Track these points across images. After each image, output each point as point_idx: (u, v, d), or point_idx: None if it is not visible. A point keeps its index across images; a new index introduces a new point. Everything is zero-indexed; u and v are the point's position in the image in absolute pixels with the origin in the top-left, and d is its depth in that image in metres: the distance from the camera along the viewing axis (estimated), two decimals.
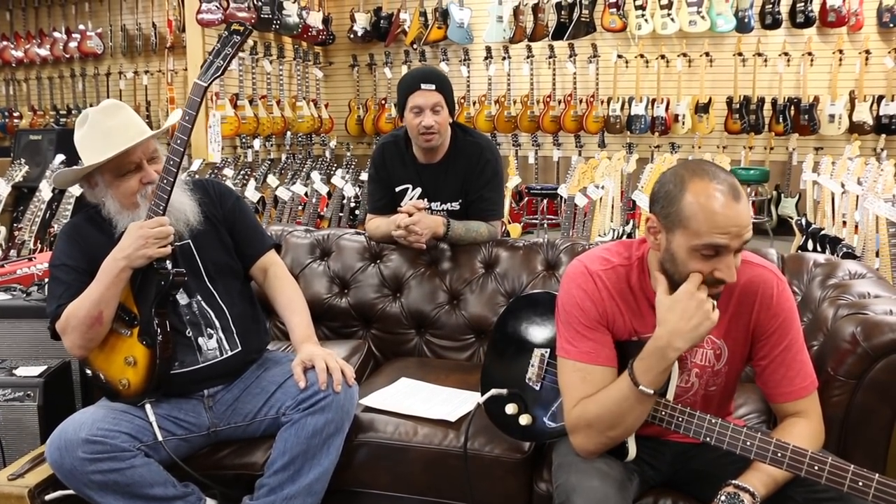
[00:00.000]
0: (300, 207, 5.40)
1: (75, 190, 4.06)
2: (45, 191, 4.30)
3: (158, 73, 7.87)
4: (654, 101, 7.19)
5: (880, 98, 6.67)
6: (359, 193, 5.73)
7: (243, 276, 2.10)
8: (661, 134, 7.23)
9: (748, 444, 1.41)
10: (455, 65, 7.67)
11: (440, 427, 1.93)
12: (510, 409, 1.77)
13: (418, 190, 2.61)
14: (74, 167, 1.89)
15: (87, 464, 1.71)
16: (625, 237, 4.94)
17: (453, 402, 2.04)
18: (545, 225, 6.73)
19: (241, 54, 6.69)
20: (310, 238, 2.68)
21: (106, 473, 1.72)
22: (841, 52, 6.78)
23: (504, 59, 7.54)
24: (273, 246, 2.15)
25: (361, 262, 2.59)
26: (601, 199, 4.75)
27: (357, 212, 5.79)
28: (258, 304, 2.14)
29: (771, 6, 6.78)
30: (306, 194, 5.44)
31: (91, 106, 1.93)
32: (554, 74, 7.49)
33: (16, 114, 8.34)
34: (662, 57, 7.20)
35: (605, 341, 1.57)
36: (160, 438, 1.82)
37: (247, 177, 5.47)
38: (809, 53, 6.87)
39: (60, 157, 4.74)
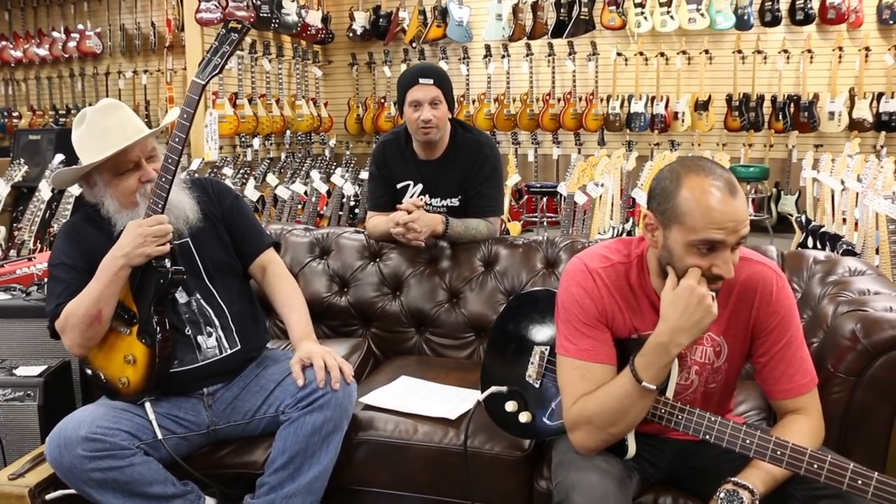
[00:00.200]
0: (300, 206, 5.40)
1: (75, 190, 4.06)
2: (44, 190, 4.29)
3: (157, 73, 7.86)
4: (653, 98, 7.18)
5: (880, 95, 6.66)
6: (358, 192, 5.73)
7: (242, 274, 2.10)
8: (660, 132, 7.22)
9: (747, 441, 1.41)
10: (454, 63, 7.66)
11: (440, 425, 1.93)
12: (510, 406, 1.77)
13: (419, 186, 2.61)
14: (73, 167, 1.89)
15: (87, 461, 1.71)
16: (624, 235, 4.94)
17: (453, 401, 2.04)
18: (545, 223, 6.73)
19: (240, 53, 6.71)
20: (309, 237, 2.68)
21: (105, 471, 1.73)
22: (841, 49, 6.78)
23: (503, 57, 7.53)
24: (272, 244, 2.15)
25: (361, 260, 2.59)
26: (601, 196, 4.75)
27: (356, 210, 5.78)
28: (257, 302, 2.14)
29: (770, 3, 6.77)
30: (306, 193, 5.44)
31: (90, 106, 1.93)
32: (553, 72, 7.48)
33: (15, 114, 8.33)
34: (662, 55, 7.20)
35: (605, 339, 1.57)
36: (160, 437, 1.82)
37: (246, 176, 5.47)
38: (809, 50, 6.86)
39: (60, 157, 4.74)
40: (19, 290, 2.57)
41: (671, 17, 6.92)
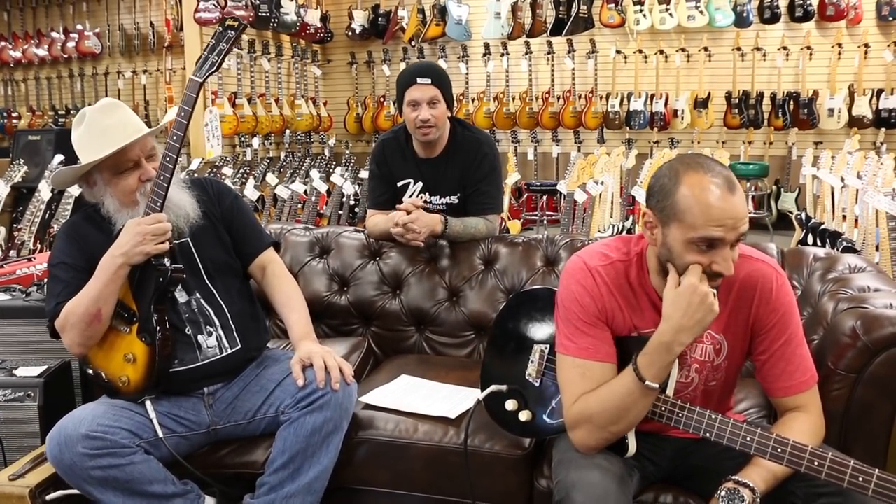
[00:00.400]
0: (299, 205, 5.40)
1: (74, 190, 4.06)
2: (44, 191, 4.29)
3: (157, 73, 7.86)
4: (652, 96, 7.18)
5: (880, 92, 6.66)
6: (358, 191, 5.72)
7: (242, 274, 2.10)
8: (660, 129, 7.22)
9: (748, 439, 1.41)
10: (453, 61, 7.66)
11: (440, 424, 1.93)
12: (510, 405, 1.77)
13: (419, 185, 2.61)
14: (73, 166, 1.89)
15: (87, 459, 1.71)
16: (624, 233, 4.94)
17: (453, 399, 2.04)
18: (545, 221, 6.72)
19: (239, 53, 6.70)
20: (309, 236, 2.68)
21: (105, 469, 1.73)
22: (840, 45, 6.78)
23: (502, 55, 7.53)
24: (271, 244, 2.15)
25: (361, 259, 2.59)
26: (600, 194, 4.75)
27: (356, 209, 5.78)
28: (257, 302, 2.14)
29: (769, 0, 6.76)
30: (305, 192, 5.43)
31: (89, 106, 1.93)
32: (552, 70, 7.48)
33: (14, 114, 8.33)
34: (661, 52, 7.19)
35: (605, 337, 1.57)
36: (161, 435, 1.82)
37: (246, 175, 5.47)
38: (808, 47, 6.86)
39: (59, 157, 4.74)
40: (19, 291, 2.57)
41: (670, 14, 6.92)
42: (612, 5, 7.06)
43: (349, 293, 2.56)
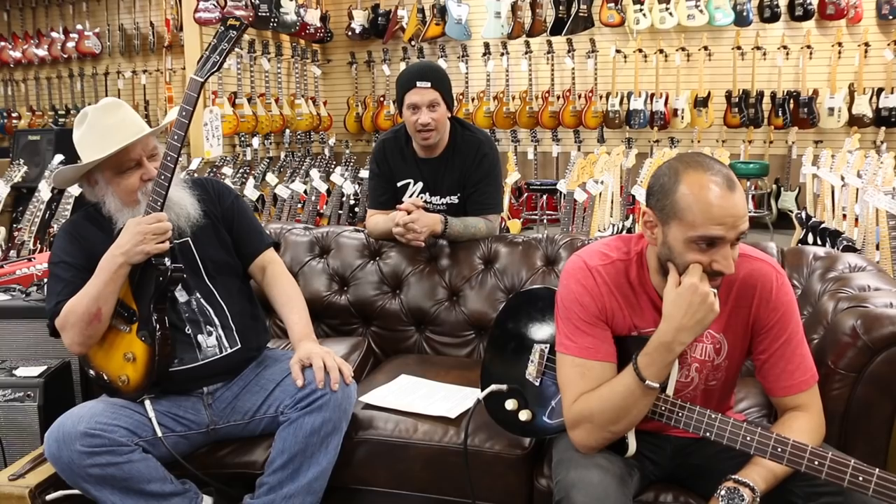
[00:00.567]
0: (299, 205, 5.40)
1: (74, 190, 4.06)
2: (44, 191, 4.30)
3: (156, 73, 7.87)
4: (652, 95, 7.18)
5: (880, 91, 6.65)
6: (358, 191, 5.72)
7: (242, 274, 2.10)
8: (660, 128, 7.22)
9: (748, 439, 1.41)
10: (453, 61, 7.66)
11: (440, 424, 1.93)
12: (510, 405, 1.77)
13: (420, 184, 2.61)
14: (75, 164, 1.89)
15: (85, 457, 1.71)
16: (624, 232, 4.94)
17: (453, 399, 2.04)
18: (545, 221, 6.72)
19: (239, 53, 6.70)
20: (309, 236, 2.68)
21: (103, 467, 1.72)
22: (840, 44, 6.77)
23: (502, 54, 7.53)
24: (271, 244, 2.15)
25: (361, 259, 2.59)
26: (600, 194, 4.74)
27: (356, 209, 5.78)
28: (257, 301, 2.14)
29: None
30: (305, 192, 5.43)
31: (90, 105, 1.93)
32: (552, 70, 7.48)
33: (14, 114, 8.34)
34: (661, 51, 7.19)
35: (605, 337, 1.56)
36: (159, 434, 1.82)
37: (246, 175, 5.46)
38: (808, 46, 6.86)
39: (59, 157, 4.74)
40: (19, 291, 2.57)
41: (670, 13, 6.92)
42: (612, 4, 7.06)
43: (349, 293, 2.56)
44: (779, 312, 1.54)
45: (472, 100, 7.65)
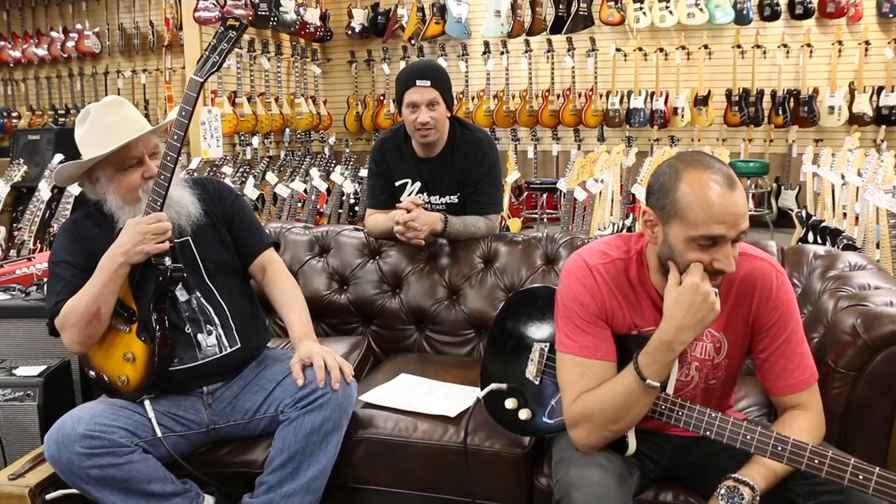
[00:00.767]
0: (299, 204, 5.40)
1: (74, 189, 4.06)
2: (44, 190, 4.29)
3: (156, 72, 7.86)
4: (652, 94, 7.18)
5: (880, 89, 6.65)
6: (358, 190, 5.72)
7: (242, 273, 2.10)
8: (660, 127, 7.22)
9: (748, 437, 1.41)
10: (453, 60, 7.65)
11: (440, 423, 1.93)
12: (510, 403, 1.77)
13: (418, 184, 2.61)
14: (76, 161, 1.89)
15: (85, 458, 1.71)
16: (624, 231, 4.94)
17: (453, 398, 2.04)
18: (545, 219, 6.72)
19: (238, 52, 6.70)
20: (309, 235, 2.68)
21: (103, 468, 1.72)
22: (840, 43, 6.77)
23: (502, 53, 7.53)
24: (271, 244, 2.15)
25: (360, 258, 2.59)
26: (600, 192, 4.74)
27: (356, 208, 5.78)
28: (257, 301, 2.14)
29: None
30: (305, 191, 5.43)
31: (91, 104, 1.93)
32: (552, 68, 7.48)
33: (14, 114, 8.34)
34: (661, 50, 7.18)
35: (605, 335, 1.56)
36: (159, 435, 1.82)
37: (245, 174, 5.46)
38: (808, 45, 6.85)
39: (59, 157, 4.73)
40: (19, 290, 2.57)
41: (670, 12, 6.91)
42: (612, 3, 7.05)
43: (349, 292, 2.56)
44: (779, 311, 1.54)
45: (472, 98, 7.65)
